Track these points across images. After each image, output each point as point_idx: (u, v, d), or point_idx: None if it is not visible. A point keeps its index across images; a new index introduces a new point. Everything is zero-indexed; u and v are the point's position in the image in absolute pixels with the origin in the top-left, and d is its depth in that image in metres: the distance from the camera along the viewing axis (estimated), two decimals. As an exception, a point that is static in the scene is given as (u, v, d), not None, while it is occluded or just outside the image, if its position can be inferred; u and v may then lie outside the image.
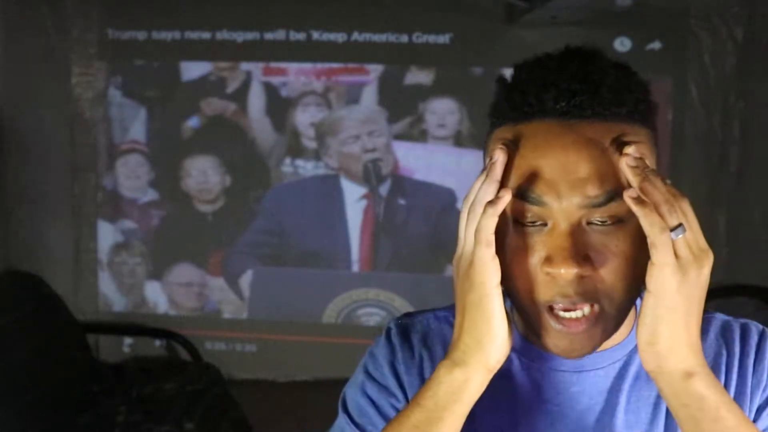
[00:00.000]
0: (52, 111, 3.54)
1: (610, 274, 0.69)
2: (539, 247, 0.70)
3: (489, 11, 3.33)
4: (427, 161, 3.48)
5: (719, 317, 0.84)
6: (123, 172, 3.66)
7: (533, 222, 0.70)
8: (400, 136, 3.49)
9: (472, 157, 3.38)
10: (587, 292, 0.69)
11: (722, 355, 0.80)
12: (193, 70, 3.57)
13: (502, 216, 0.71)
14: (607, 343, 0.78)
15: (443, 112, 3.44)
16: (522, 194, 0.70)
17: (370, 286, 3.60)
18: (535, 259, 0.70)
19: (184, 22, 3.53)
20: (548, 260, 0.69)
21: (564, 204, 0.68)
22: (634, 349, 0.79)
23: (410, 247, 3.55)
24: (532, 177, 0.69)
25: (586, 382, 0.79)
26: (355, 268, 3.59)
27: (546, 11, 3.15)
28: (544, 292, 0.70)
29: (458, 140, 3.44)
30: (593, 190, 0.68)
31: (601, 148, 0.68)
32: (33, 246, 3.43)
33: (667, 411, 0.76)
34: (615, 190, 0.68)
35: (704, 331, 0.81)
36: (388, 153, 3.50)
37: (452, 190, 3.46)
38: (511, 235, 0.71)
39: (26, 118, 3.37)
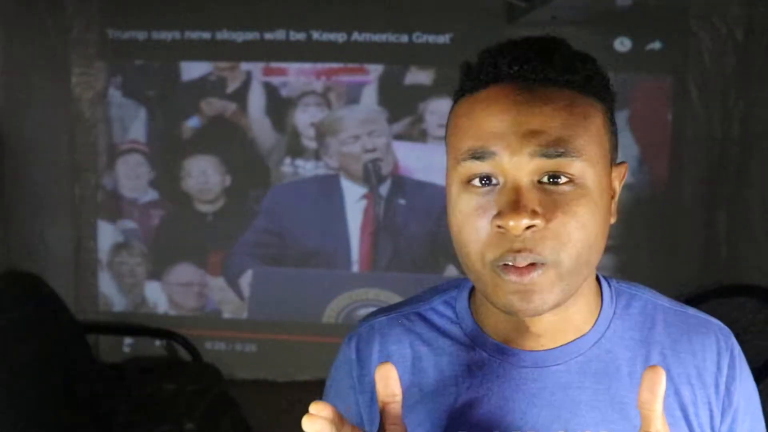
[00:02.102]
0: (52, 111, 3.54)
1: (559, 228, 0.70)
2: (491, 206, 0.71)
3: (489, 11, 3.33)
4: (427, 161, 3.48)
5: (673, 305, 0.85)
6: (123, 172, 3.67)
7: (485, 182, 0.71)
8: (400, 136, 3.49)
9: (472, 157, 3.38)
10: (537, 247, 0.69)
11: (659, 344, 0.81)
12: (193, 70, 3.57)
13: (454, 183, 0.74)
14: (567, 337, 0.78)
15: (443, 112, 3.44)
16: (473, 153, 0.71)
17: (370, 286, 3.60)
18: (487, 217, 0.71)
19: (184, 22, 3.53)
20: (499, 215, 0.70)
21: (515, 157, 0.69)
22: (597, 344, 0.79)
23: (410, 247, 3.55)
24: (483, 134, 0.71)
25: (546, 378, 0.78)
26: (355, 268, 3.59)
27: (546, 11, 3.14)
28: (495, 250, 0.71)
29: (458, 140, 3.44)
30: (544, 141, 0.69)
31: (552, 107, 0.70)
32: (33, 246, 3.42)
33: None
34: (567, 147, 0.69)
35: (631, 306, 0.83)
36: (388, 153, 3.50)
37: (452, 190, 3.46)
38: (463, 200, 0.73)
39: (26, 119, 3.36)
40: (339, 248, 3.58)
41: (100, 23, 3.57)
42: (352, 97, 3.50)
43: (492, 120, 0.71)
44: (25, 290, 2.66)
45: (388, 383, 0.68)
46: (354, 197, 3.54)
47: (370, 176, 3.51)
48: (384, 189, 3.52)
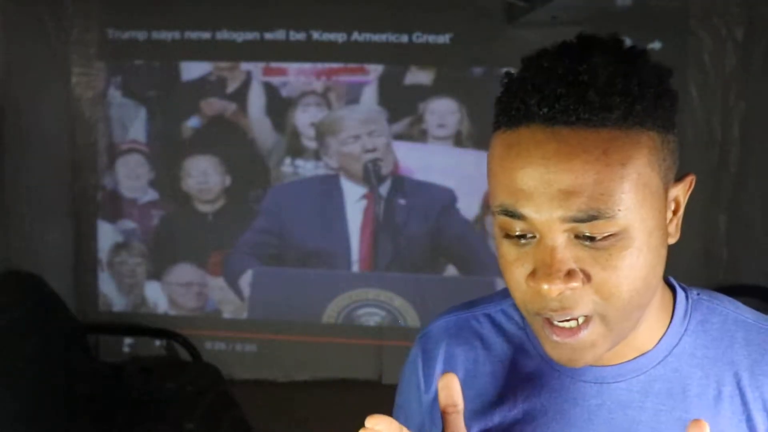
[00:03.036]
0: (52, 111, 3.54)
1: (600, 285, 0.66)
2: (527, 259, 0.68)
3: (489, 11, 3.33)
4: (427, 161, 3.48)
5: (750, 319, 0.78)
6: (123, 172, 3.66)
7: (523, 235, 0.68)
8: (400, 136, 3.49)
9: (472, 157, 3.38)
10: (575, 305, 0.67)
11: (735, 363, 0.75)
12: (193, 70, 3.57)
13: (496, 226, 0.70)
14: (629, 354, 0.75)
15: (443, 112, 3.44)
16: (505, 211, 0.68)
17: (370, 286, 3.60)
18: (523, 270, 0.68)
19: (184, 22, 3.53)
20: (532, 274, 0.67)
21: (544, 217, 0.65)
22: (662, 363, 0.76)
23: (410, 247, 3.54)
24: (514, 191, 0.66)
25: (605, 395, 0.76)
26: (355, 268, 3.59)
27: (546, 11, 3.14)
28: (533, 303, 0.69)
29: (458, 140, 3.44)
30: (576, 205, 0.64)
31: (585, 159, 0.64)
32: (33, 246, 3.42)
33: None
34: (600, 208, 0.64)
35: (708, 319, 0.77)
36: (388, 153, 3.50)
37: (452, 190, 3.46)
38: (504, 247, 0.70)
39: (26, 119, 3.36)
40: (339, 248, 3.58)
41: (100, 23, 3.56)
42: (352, 97, 3.50)
43: (521, 175, 0.66)
44: (25, 290, 2.66)
45: (450, 393, 0.68)
46: (354, 197, 3.54)
47: (370, 176, 3.51)
48: (384, 189, 3.52)
